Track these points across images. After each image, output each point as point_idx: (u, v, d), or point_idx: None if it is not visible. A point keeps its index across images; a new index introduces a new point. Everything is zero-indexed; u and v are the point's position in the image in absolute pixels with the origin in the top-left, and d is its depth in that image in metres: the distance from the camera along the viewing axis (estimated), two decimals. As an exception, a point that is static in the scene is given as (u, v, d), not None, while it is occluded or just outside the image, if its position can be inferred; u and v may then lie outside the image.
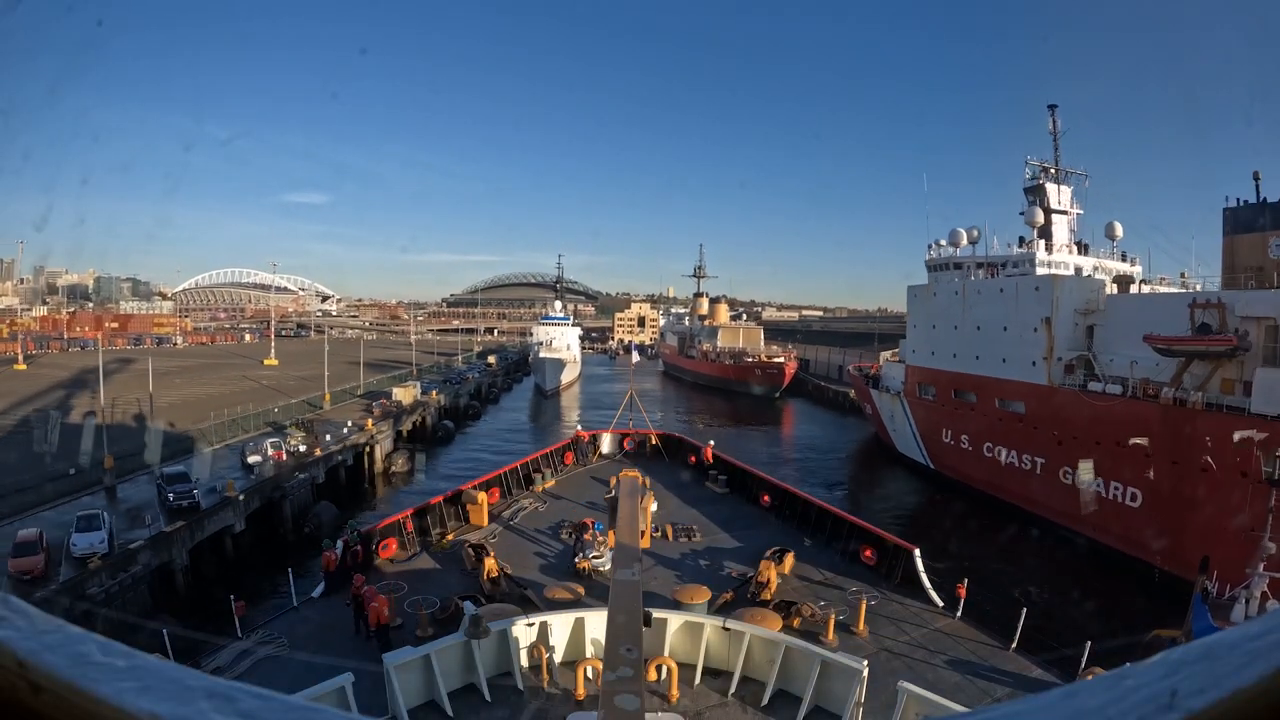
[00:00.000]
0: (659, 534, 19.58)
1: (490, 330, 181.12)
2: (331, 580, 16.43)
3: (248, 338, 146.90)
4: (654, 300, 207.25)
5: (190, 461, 31.95)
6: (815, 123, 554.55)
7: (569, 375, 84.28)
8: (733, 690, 12.59)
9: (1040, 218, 41.90)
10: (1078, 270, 39.84)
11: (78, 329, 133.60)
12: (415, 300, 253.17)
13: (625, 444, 29.21)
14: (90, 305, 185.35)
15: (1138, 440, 28.65)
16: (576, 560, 17.85)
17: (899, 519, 37.17)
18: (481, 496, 21.37)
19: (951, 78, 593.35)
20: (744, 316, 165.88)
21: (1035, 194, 44.43)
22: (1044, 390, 34.67)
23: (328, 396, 49.20)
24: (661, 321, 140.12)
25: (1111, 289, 37.19)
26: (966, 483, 40.31)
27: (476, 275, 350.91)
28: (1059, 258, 40.21)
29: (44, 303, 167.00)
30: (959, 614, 15.71)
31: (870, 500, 42.29)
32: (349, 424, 40.34)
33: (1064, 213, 44.00)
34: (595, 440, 28.83)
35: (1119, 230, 43.72)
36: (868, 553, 18.40)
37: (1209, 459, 26.08)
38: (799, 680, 12.20)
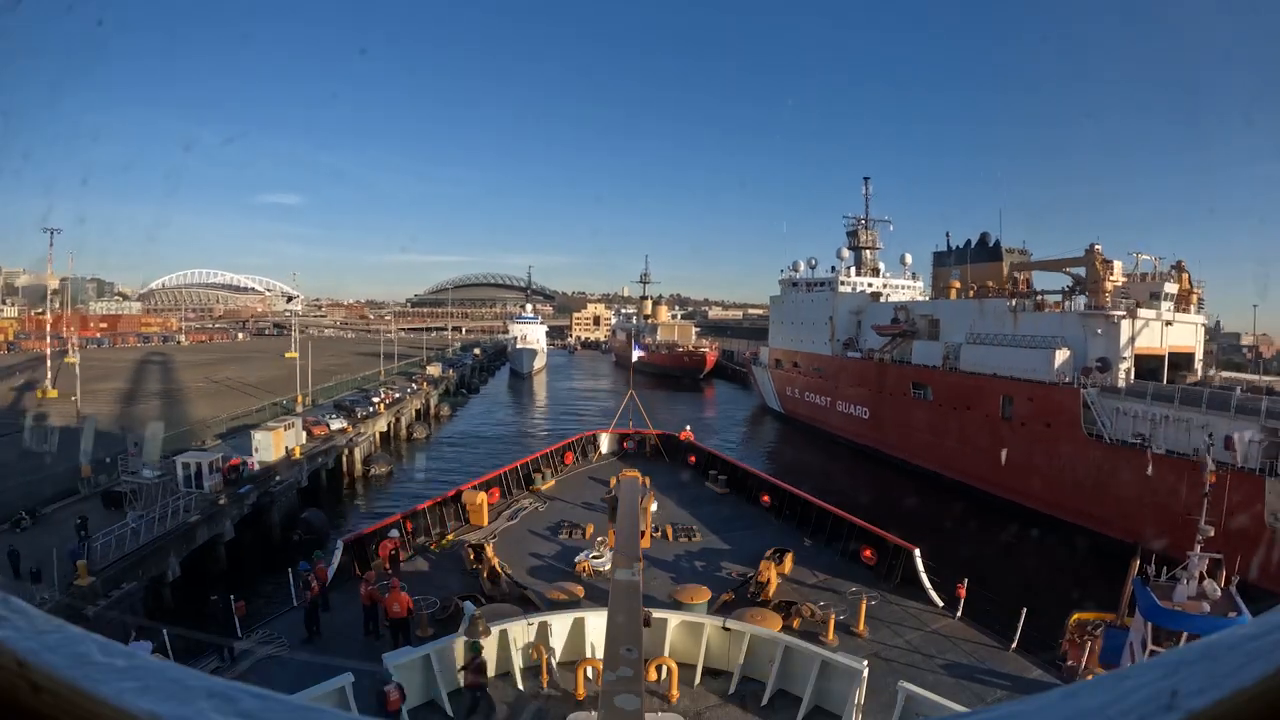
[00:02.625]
0: (659, 534, 19.49)
1: (457, 329, 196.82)
2: (311, 616, 14.62)
3: (240, 336, 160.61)
4: (608, 300, 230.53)
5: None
6: (757, 135, 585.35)
7: (539, 363, 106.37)
8: (733, 690, 12.47)
9: (847, 254, 65.58)
10: (870, 288, 63.27)
11: (64, 329, 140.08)
12: (378, 300, 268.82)
13: (625, 444, 29.45)
14: (57, 306, 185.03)
15: (859, 387, 52.47)
16: (576, 560, 17.81)
17: (765, 446, 59.57)
18: (481, 496, 21.42)
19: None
20: (693, 314, 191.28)
21: (852, 236, 68.11)
22: (829, 358, 58.00)
23: (382, 372, 68.98)
24: (614, 320, 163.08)
25: (878, 298, 61.06)
26: (800, 419, 63.40)
27: (439, 275, 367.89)
28: (857, 279, 63.53)
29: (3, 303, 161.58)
30: (959, 614, 15.81)
31: (750, 436, 64.33)
32: (411, 387, 61.06)
33: (871, 248, 67.80)
34: (595, 440, 29.11)
35: (909, 259, 67.56)
36: (867, 553, 18.48)
37: (902, 391, 49.18)
38: (799, 680, 12.08)
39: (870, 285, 62.63)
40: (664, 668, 11.95)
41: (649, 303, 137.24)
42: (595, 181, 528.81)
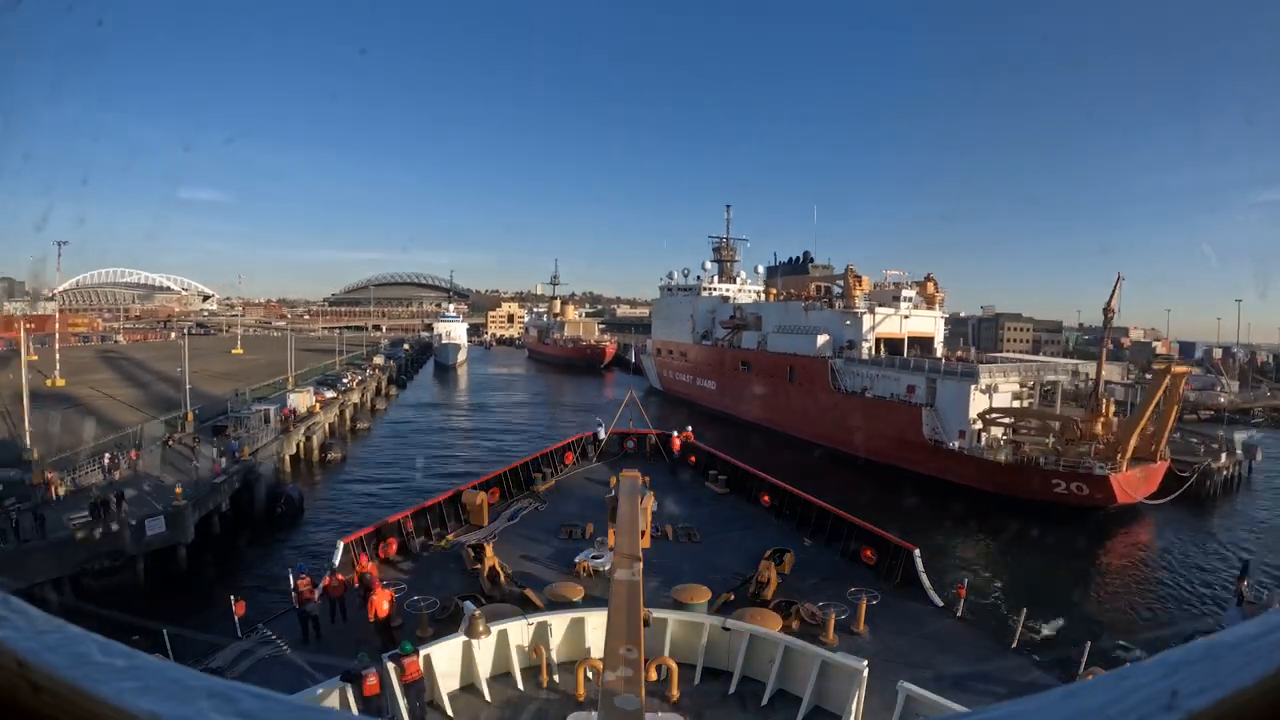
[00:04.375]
0: (659, 534, 19.41)
1: (377, 327, 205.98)
2: (306, 622, 14.63)
3: (172, 335, 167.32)
4: (521, 299, 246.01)
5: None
6: (662, 143, 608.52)
7: (461, 357, 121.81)
8: (733, 690, 12.53)
9: (710, 266, 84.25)
10: (722, 293, 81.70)
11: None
12: (290, 298, 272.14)
13: (625, 444, 29.84)
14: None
15: (709, 367, 70.83)
16: (576, 560, 17.83)
17: (655, 415, 77.27)
18: (481, 496, 21.55)
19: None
20: (602, 312, 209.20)
21: (716, 251, 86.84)
22: (691, 346, 76.21)
23: (337, 363, 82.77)
24: (526, 318, 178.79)
25: (727, 300, 79.80)
26: (674, 394, 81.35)
27: (354, 274, 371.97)
28: (714, 285, 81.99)
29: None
30: (959, 614, 15.86)
31: (637, 411, 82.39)
32: (368, 372, 75.75)
33: (730, 261, 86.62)
34: (595, 440, 29.27)
35: (760, 269, 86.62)
36: (867, 553, 18.59)
37: (734, 371, 67.86)
38: (799, 680, 12.14)
39: (723, 290, 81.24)
40: (664, 668, 11.88)
41: (558, 302, 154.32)
42: (510, 184, 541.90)
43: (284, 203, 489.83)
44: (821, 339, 56.79)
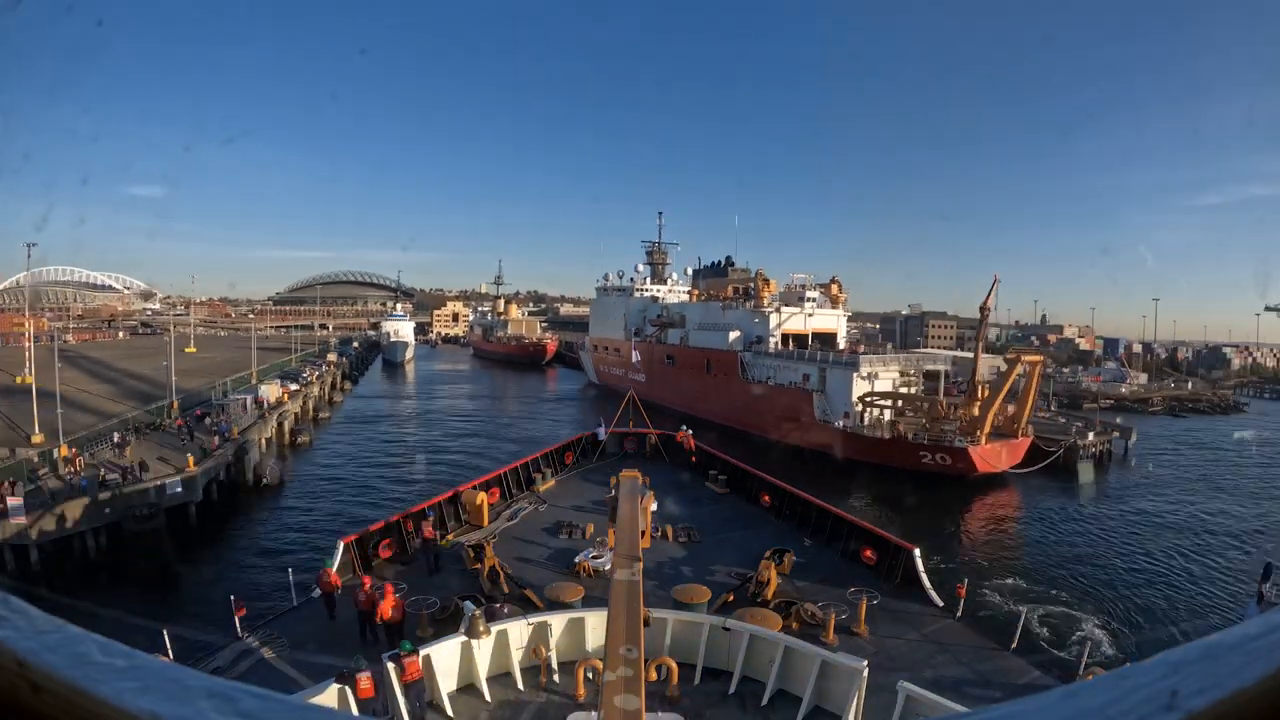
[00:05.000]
0: (659, 534, 19.57)
1: (324, 326, 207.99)
2: (332, 602, 15.59)
3: (121, 334, 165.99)
4: (465, 297, 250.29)
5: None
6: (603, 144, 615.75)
7: (409, 354, 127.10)
8: (733, 690, 12.58)
9: (643, 269, 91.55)
10: (653, 293, 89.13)
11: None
12: (232, 297, 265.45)
13: (625, 444, 30.03)
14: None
15: (640, 361, 78.40)
16: (576, 560, 17.95)
17: (591, 403, 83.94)
18: (481, 496, 21.56)
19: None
20: (546, 311, 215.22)
21: (649, 255, 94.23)
22: (624, 342, 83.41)
23: (293, 360, 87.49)
24: (471, 317, 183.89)
25: (657, 301, 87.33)
26: (609, 387, 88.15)
27: (300, 273, 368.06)
28: (645, 286, 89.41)
29: None
30: (959, 614, 15.92)
31: (579, 398, 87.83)
32: (325, 367, 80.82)
33: (662, 264, 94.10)
34: (595, 440, 29.42)
35: (689, 271, 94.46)
36: (867, 553, 18.71)
37: (661, 364, 75.41)
38: (799, 680, 12.19)
39: (653, 291, 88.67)
40: (664, 668, 11.78)
41: (501, 301, 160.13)
42: (456, 183, 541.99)
43: (223, 200, 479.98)
44: (734, 335, 64.71)
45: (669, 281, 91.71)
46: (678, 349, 72.42)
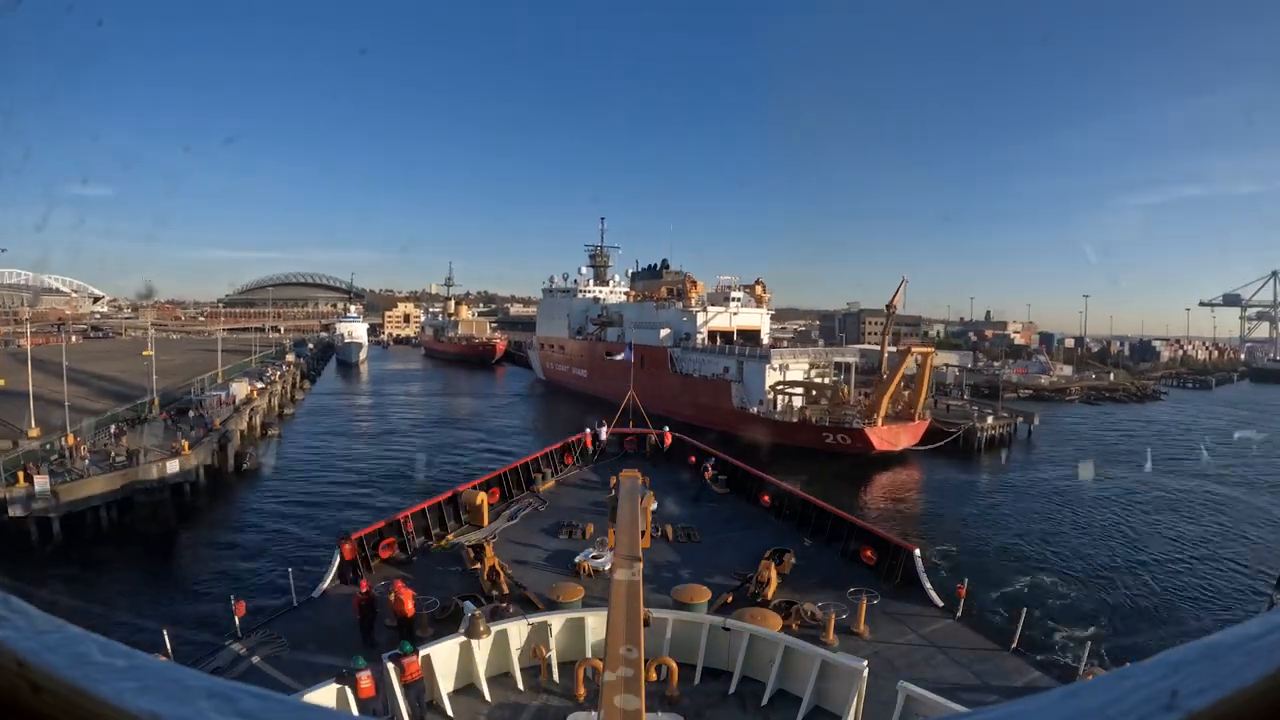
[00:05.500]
0: (659, 534, 19.68)
1: (275, 329, 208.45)
2: (345, 570, 16.81)
3: (73, 339, 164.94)
4: (416, 298, 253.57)
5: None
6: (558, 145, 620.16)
7: (363, 355, 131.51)
8: (733, 690, 12.62)
9: (586, 271, 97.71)
10: (595, 294, 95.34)
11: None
12: (179, 299, 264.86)
13: (625, 444, 30.15)
14: None
15: (582, 358, 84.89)
16: (576, 560, 18.07)
17: (538, 399, 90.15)
18: (481, 496, 21.73)
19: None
20: (495, 311, 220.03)
21: (591, 258, 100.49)
22: (568, 340, 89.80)
23: (253, 361, 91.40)
24: (423, 318, 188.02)
25: (598, 301, 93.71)
26: (556, 383, 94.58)
27: (249, 273, 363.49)
28: (588, 288, 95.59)
29: None
30: (959, 614, 15.98)
31: (527, 394, 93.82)
32: (285, 367, 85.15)
33: (604, 266, 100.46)
34: (595, 440, 29.52)
35: (628, 272, 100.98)
36: (867, 553, 18.79)
37: (601, 360, 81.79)
38: (799, 680, 12.22)
39: (595, 292, 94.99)
40: (664, 668, 11.86)
41: (452, 302, 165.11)
42: (404, 183, 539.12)
43: (163, 201, 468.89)
44: (664, 332, 71.67)
45: (610, 283, 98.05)
46: (616, 346, 78.76)
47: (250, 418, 53.78)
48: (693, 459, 28.91)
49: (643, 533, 10.21)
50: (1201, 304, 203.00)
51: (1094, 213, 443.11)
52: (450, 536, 20.70)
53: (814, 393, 58.45)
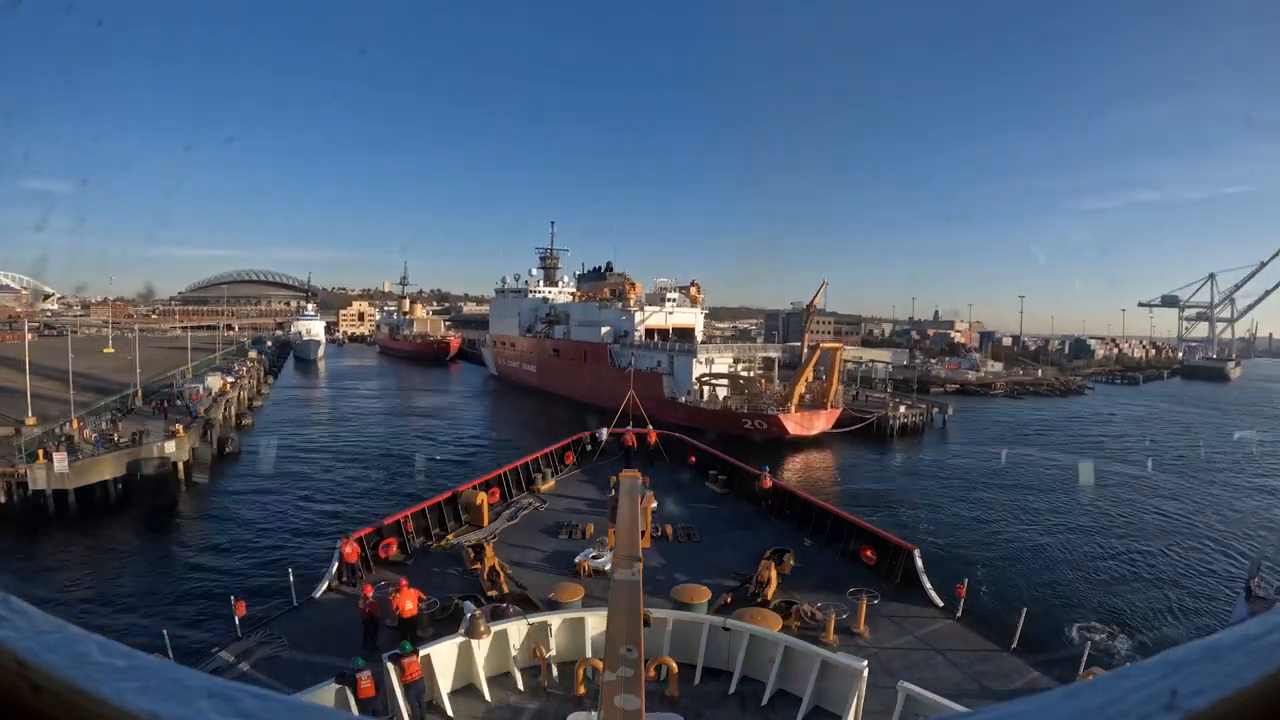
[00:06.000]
0: (659, 534, 19.81)
1: (229, 327, 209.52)
2: (345, 573, 17.05)
3: (30, 336, 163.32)
4: (368, 296, 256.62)
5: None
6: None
7: (321, 352, 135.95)
8: (733, 690, 12.65)
9: (537, 272, 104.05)
10: (544, 295, 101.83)
11: None
12: (128, 296, 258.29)
13: (625, 444, 30.12)
14: None
15: (532, 354, 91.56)
16: (576, 560, 18.14)
17: (491, 394, 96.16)
18: (481, 496, 21.87)
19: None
20: (449, 310, 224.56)
21: (542, 260, 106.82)
22: (519, 338, 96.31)
23: (218, 357, 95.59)
24: (378, 316, 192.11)
25: (547, 301, 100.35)
26: (508, 378, 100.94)
27: (199, 271, 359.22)
28: (539, 288, 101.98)
29: None
30: (959, 614, 16.06)
31: (480, 390, 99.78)
32: (250, 363, 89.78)
33: (554, 268, 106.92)
34: (595, 440, 29.79)
35: (576, 274, 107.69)
36: (867, 553, 18.83)
37: (549, 356, 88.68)
38: (799, 680, 12.26)
39: (545, 292, 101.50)
40: (664, 668, 11.99)
41: (407, 301, 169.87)
42: (355, 183, 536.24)
43: (120, 196, 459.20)
44: (605, 330, 78.69)
45: (559, 284, 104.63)
46: (562, 343, 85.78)
47: (226, 408, 59.26)
48: (693, 459, 29.04)
49: (643, 533, 10.13)
50: (1140, 305, 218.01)
51: (1052, 215, 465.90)
52: (450, 536, 20.83)
53: (740, 383, 65.97)
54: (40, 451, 37.23)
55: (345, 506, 38.21)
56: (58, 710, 0.69)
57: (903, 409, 69.90)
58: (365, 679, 11.50)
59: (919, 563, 17.82)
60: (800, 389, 61.21)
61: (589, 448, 30.04)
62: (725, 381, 66.35)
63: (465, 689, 12.57)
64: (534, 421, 68.68)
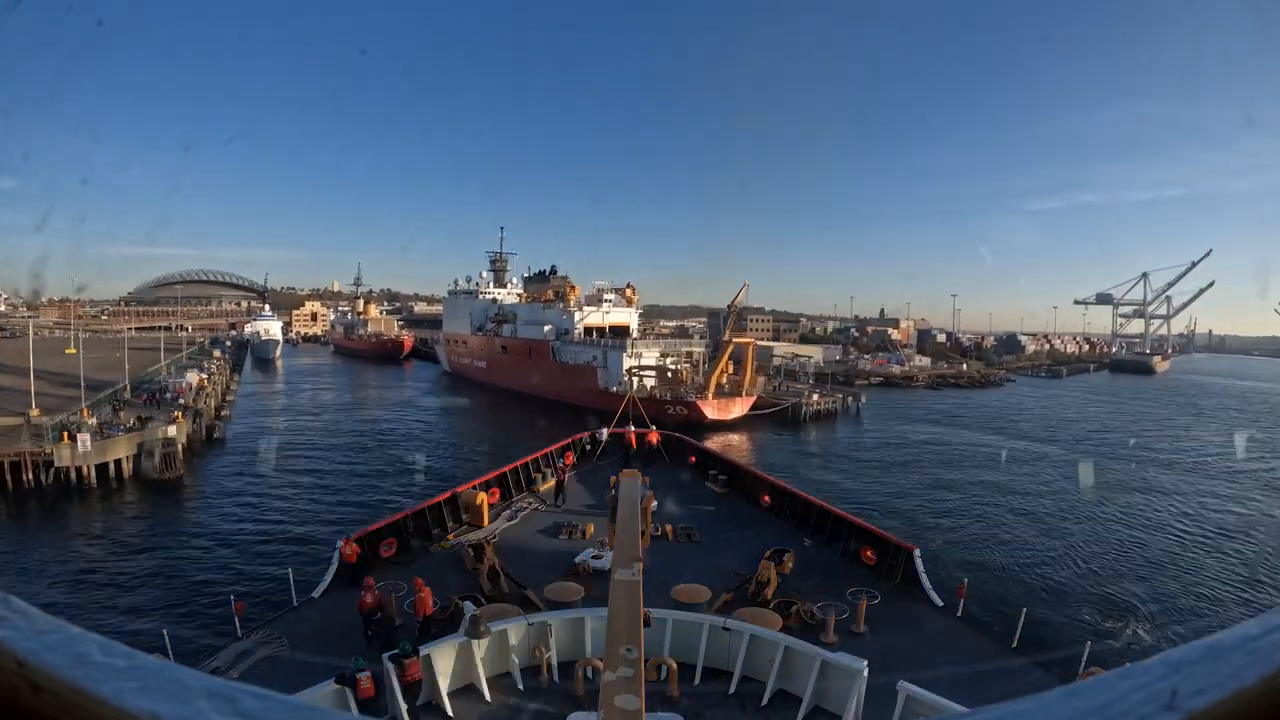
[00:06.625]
0: (659, 534, 19.82)
1: (182, 327, 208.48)
2: (345, 573, 17.08)
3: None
4: (319, 295, 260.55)
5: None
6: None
7: (279, 351, 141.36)
8: (732, 690, 12.65)
9: (487, 275, 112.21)
10: (494, 296, 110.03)
11: None
12: (71, 297, 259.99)
13: (625, 444, 30.21)
14: None
15: (481, 351, 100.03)
16: (576, 560, 18.19)
17: (444, 390, 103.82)
18: (481, 496, 21.97)
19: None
20: (399, 310, 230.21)
21: (492, 263, 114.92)
22: (470, 336, 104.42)
23: (184, 356, 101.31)
24: (332, 316, 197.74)
25: (496, 302, 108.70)
26: (460, 374, 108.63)
27: (147, 270, 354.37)
28: (490, 290, 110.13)
29: None
30: (959, 614, 16.06)
31: (434, 383, 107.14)
32: (215, 363, 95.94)
33: (503, 270, 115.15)
34: (595, 440, 29.82)
35: (523, 276, 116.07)
36: (867, 553, 18.85)
37: (498, 351, 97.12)
38: (799, 680, 12.28)
39: (494, 294, 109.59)
40: (664, 668, 12.08)
41: (361, 301, 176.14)
42: (304, 181, 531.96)
43: (67, 193, 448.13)
44: (547, 328, 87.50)
45: (508, 285, 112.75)
46: (509, 340, 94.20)
47: (206, 401, 66.58)
48: (693, 459, 29.14)
49: (643, 533, 10.13)
50: (1076, 302, 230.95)
51: (1000, 215, 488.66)
52: (450, 537, 20.92)
53: (669, 374, 75.38)
54: (65, 433, 44.58)
55: (328, 490, 42.89)
56: (58, 710, 0.69)
57: (815, 397, 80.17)
58: (365, 679, 11.63)
59: (919, 563, 17.85)
60: (716, 379, 70.80)
61: (589, 448, 30.14)
62: (653, 373, 75.44)
63: (465, 689, 12.53)
64: (487, 409, 78.68)
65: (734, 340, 74.52)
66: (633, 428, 31.85)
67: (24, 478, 43.00)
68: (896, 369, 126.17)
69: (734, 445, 62.69)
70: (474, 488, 22.85)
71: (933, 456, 57.99)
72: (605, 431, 30.99)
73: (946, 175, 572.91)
